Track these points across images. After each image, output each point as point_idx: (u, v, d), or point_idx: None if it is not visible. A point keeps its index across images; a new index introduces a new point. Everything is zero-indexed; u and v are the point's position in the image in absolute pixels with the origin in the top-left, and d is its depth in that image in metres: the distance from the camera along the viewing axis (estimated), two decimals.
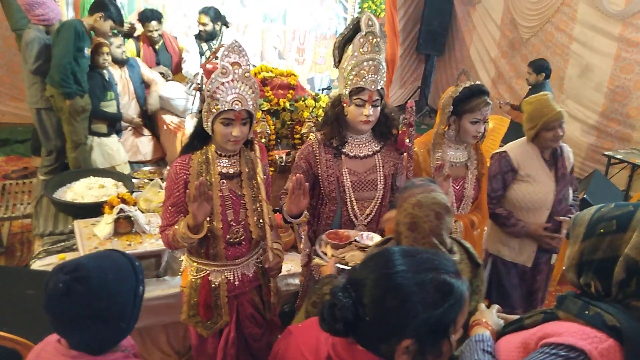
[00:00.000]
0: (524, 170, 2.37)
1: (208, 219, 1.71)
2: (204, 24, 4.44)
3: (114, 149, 3.76)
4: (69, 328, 1.13)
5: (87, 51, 3.41)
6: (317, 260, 1.73)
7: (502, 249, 2.51)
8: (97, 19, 3.39)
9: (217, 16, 4.48)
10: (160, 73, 4.46)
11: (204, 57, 4.55)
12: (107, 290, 1.12)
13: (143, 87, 4.20)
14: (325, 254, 1.74)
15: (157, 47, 4.55)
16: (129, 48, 4.41)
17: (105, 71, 3.75)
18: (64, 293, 1.09)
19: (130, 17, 4.87)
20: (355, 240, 1.84)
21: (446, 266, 0.99)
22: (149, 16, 4.37)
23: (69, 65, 3.24)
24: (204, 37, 4.53)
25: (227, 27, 4.65)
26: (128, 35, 4.40)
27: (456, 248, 1.48)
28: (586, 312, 1.04)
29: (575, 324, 1.04)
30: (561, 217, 2.39)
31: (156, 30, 4.42)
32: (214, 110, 1.64)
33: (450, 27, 7.47)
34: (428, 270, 0.96)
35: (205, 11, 4.46)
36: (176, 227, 1.71)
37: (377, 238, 1.84)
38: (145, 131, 4.23)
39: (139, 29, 4.53)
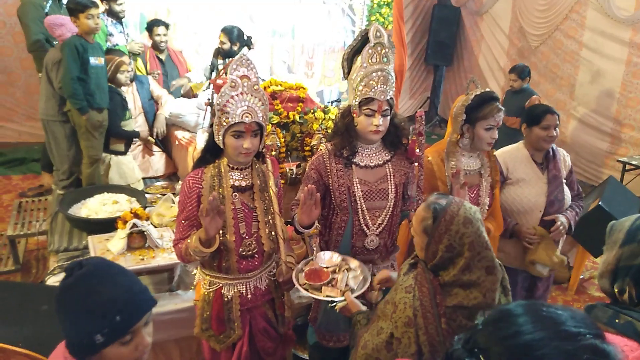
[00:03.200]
0: (514, 174, 2.38)
1: (220, 232, 1.72)
2: (222, 42, 4.47)
3: (129, 167, 3.81)
4: (70, 322, 1.12)
5: (97, 60, 3.39)
6: (340, 304, 1.68)
7: (499, 255, 2.48)
8: (77, 25, 3.31)
9: (238, 37, 4.47)
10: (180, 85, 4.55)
11: (214, 73, 4.61)
12: (105, 276, 1.13)
13: (152, 103, 4.26)
14: (332, 296, 1.69)
15: (162, 57, 4.62)
16: (138, 66, 4.50)
17: (122, 89, 3.81)
18: (65, 278, 1.12)
19: (141, 36, 4.98)
20: (324, 267, 1.80)
21: (588, 326, 0.80)
22: (155, 23, 4.50)
23: (72, 82, 3.27)
24: (221, 54, 4.57)
25: (250, 48, 4.58)
26: (133, 53, 4.47)
27: None
28: (617, 320, 1.02)
29: (605, 333, 1.02)
30: (551, 216, 2.35)
31: (164, 35, 4.51)
32: (224, 123, 1.67)
33: (458, 38, 7.48)
34: (572, 336, 0.77)
35: (226, 30, 4.45)
36: (188, 240, 1.72)
37: (334, 256, 1.82)
38: (155, 148, 4.29)
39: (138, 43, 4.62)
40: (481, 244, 1.32)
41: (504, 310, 0.85)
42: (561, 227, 2.33)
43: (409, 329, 1.32)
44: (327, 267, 1.79)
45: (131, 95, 4.10)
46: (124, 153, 3.82)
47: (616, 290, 1.08)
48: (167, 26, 4.58)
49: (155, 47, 4.59)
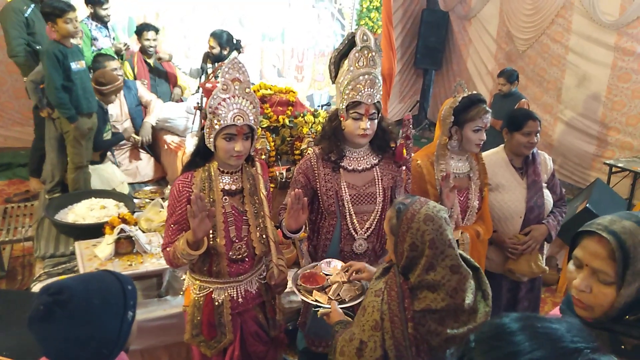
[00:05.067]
0: (493, 180, 2.36)
1: (210, 235, 1.71)
2: (211, 47, 4.45)
3: (109, 172, 3.74)
4: (50, 349, 1.11)
5: (78, 64, 3.30)
6: (322, 311, 1.66)
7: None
8: (54, 30, 3.22)
9: (227, 42, 4.46)
10: (159, 58, 4.55)
11: (204, 77, 4.59)
12: (89, 315, 1.10)
13: (139, 109, 4.23)
14: (320, 302, 1.69)
15: (151, 62, 4.60)
16: (127, 70, 4.47)
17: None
18: (44, 316, 1.07)
19: (129, 40, 4.95)
20: (324, 274, 1.81)
21: (586, 339, 0.77)
22: (144, 27, 4.49)
23: (57, 91, 3.19)
24: (211, 58, 4.53)
25: (239, 52, 4.55)
26: (118, 53, 4.45)
27: None
28: (622, 346, 0.94)
29: None
30: (528, 228, 2.36)
31: (153, 40, 4.50)
32: (216, 126, 1.66)
33: (447, 42, 7.55)
34: (570, 353, 0.74)
35: (215, 35, 4.44)
36: (176, 243, 1.71)
37: (336, 263, 1.83)
38: (142, 151, 4.26)
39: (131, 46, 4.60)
40: (443, 241, 1.30)
41: (498, 327, 0.80)
42: (531, 242, 2.32)
43: (376, 333, 1.31)
44: (327, 275, 1.80)
45: (118, 101, 4.06)
46: (100, 162, 3.76)
47: (627, 317, 0.97)
48: (156, 31, 4.57)
49: (144, 51, 4.56)
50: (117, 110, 4.10)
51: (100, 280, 1.18)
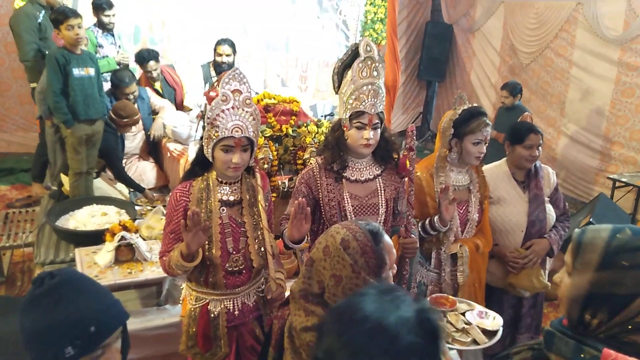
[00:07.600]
0: (495, 193, 2.34)
1: (206, 246, 1.69)
2: (227, 55, 4.44)
3: (103, 182, 3.73)
4: (38, 332, 1.03)
5: (83, 71, 3.28)
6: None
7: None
8: (60, 37, 3.25)
9: (234, 47, 4.50)
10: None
11: (207, 85, 4.60)
12: (83, 288, 1.07)
13: (151, 118, 4.23)
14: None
15: (158, 85, 4.53)
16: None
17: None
18: (38, 287, 1.03)
19: (135, 48, 4.97)
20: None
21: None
22: (146, 57, 4.36)
23: (54, 95, 3.19)
24: (224, 68, 4.43)
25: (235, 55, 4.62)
26: (122, 64, 4.44)
27: None
28: (582, 355, 0.95)
29: None
30: (530, 242, 2.33)
31: (154, 70, 4.41)
32: (214, 137, 1.65)
33: (451, 54, 7.58)
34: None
35: (227, 43, 4.45)
36: (171, 254, 1.69)
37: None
38: (149, 158, 4.26)
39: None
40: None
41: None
42: (532, 256, 2.30)
43: None
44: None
45: None
46: (96, 177, 3.72)
47: (587, 317, 0.98)
48: (157, 59, 4.42)
49: (149, 78, 4.49)
50: None
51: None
